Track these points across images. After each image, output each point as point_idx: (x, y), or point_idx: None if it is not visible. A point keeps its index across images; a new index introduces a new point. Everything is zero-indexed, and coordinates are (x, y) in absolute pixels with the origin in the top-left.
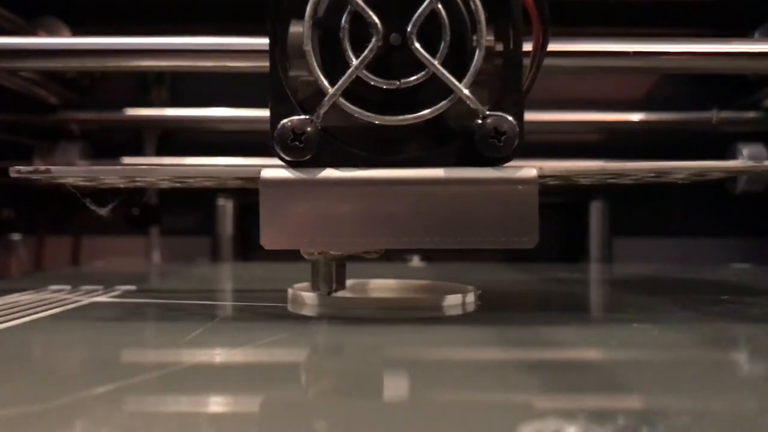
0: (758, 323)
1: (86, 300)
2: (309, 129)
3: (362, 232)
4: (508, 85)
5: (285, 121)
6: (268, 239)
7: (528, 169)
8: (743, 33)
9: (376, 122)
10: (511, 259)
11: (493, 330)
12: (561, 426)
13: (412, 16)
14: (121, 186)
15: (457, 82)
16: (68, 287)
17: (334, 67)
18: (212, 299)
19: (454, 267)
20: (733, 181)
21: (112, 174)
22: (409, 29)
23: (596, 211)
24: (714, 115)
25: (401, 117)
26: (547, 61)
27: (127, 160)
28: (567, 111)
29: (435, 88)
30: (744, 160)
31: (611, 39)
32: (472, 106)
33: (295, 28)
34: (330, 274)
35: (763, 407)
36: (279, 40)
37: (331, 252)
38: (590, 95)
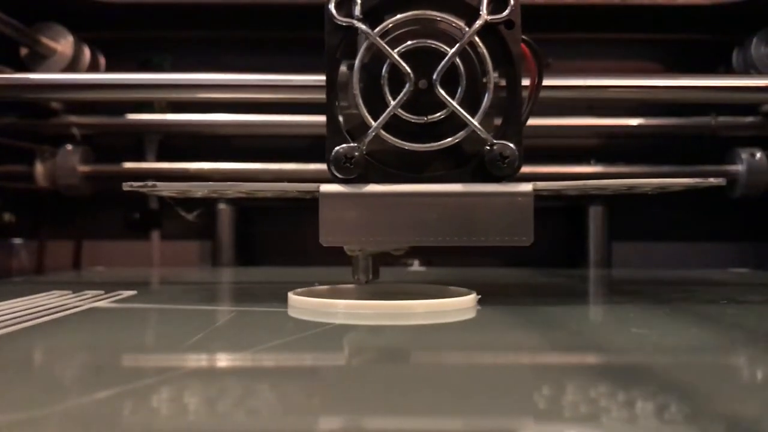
0: (757, 326)
1: (87, 305)
2: (356, 154)
3: (397, 233)
4: (510, 118)
5: (338, 147)
6: (325, 238)
7: (526, 185)
8: (741, 39)
9: (408, 148)
10: (510, 263)
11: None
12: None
13: (437, 66)
14: (206, 196)
15: (471, 118)
16: (69, 292)
17: (376, 105)
18: (213, 304)
19: (454, 271)
20: (731, 186)
21: (201, 188)
22: (434, 77)
23: (595, 215)
24: (712, 119)
25: (428, 144)
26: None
27: (127, 165)
28: (566, 116)
29: (454, 122)
30: (743, 164)
31: (600, 75)
32: (483, 136)
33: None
34: (368, 266)
35: (764, 410)
36: (332, 83)
37: (368, 249)
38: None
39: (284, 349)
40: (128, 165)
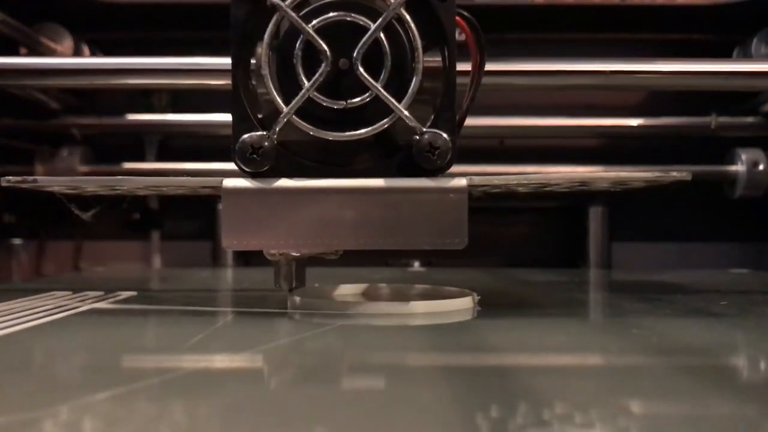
0: (758, 328)
1: (87, 306)
2: (266, 143)
3: (314, 235)
4: (442, 104)
5: (245, 136)
6: (229, 241)
7: (458, 179)
8: (741, 39)
9: (329, 138)
10: (510, 264)
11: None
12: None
13: (358, 43)
14: (103, 193)
15: (396, 103)
16: (69, 293)
17: (290, 88)
18: (213, 304)
19: (454, 272)
20: (731, 186)
21: (93, 183)
22: (354, 55)
23: (595, 216)
24: (712, 120)
25: (348, 133)
26: (525, 80)
27: (128, 165)
28: (566, 117)
29: (379, 107)
30: (743, 164)
31: (589, 59)
32: (410, 124)
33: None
34: (290, 273)
35: (763, 413)
36: (240, 63)
37: (290, 253)
38: (588, 101)
39: (284, 350)
40: (128, 165)
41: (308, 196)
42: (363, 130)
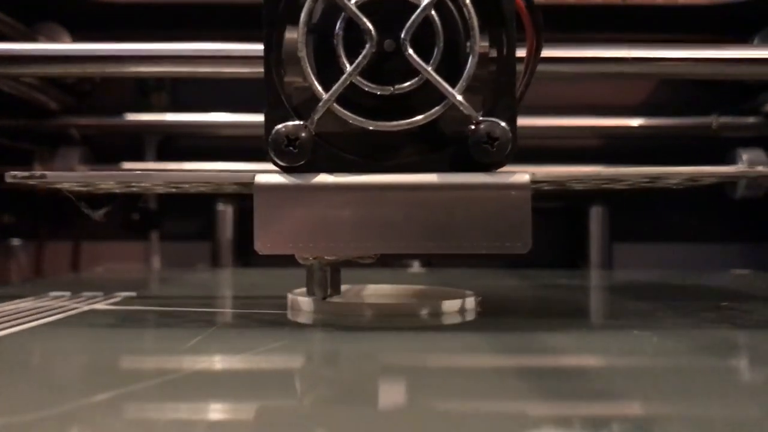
0: (758, 330)
1: (86, 307)
2: (303, 134)
3: (356, 237)
4: (501, 90)
5: (279, 126)
6: (262, 244)
7: (521, 175)
8: (743, 39)
9: (370, 128)
10: (511, 265)
11: (493, 337)
12: None
13: (406, 22)
14: (117, 191)
15: (450, 88)
16: (68, 293)
17: (329, 73)
18: (212, 306)
19: (454, 272)
20: (732, 187)
21: (107, 179)
22: (402, 35)
23: (596, 216)
24: (714, 120)
25: (395, 123)
26: (546, 68)
27: (127, 165)
28: (566, 116)
29: (428, 94)
30: (744, 164)
31: (609, 45)
32: (465, 111)
33: (290, 35)
34: (324, 279)
35: (763, 414)
36: (274, 46)
37: (326, 257)
38: (590, 101)
39: (282, 351)
40: (127, 165)
41: (350, 193)
42: (413, 119)
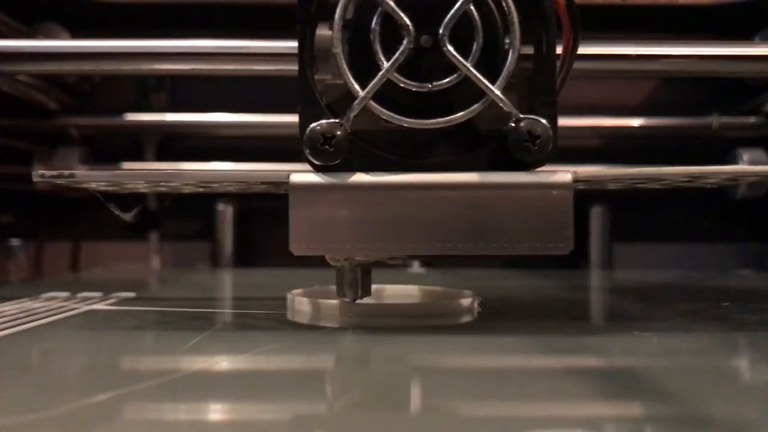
0: (758, 330)
1: (85, 307)
2: (339, 133)
3: (393, 238)
4: (541, 87)
5: (314, 124)
6: (297, 245)
7: (563, 174)
8: (744, 38)
9: (407, 126)
10: (511, 265)
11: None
12: None
13: (444, 17)
14: (145, 191)
15: (490, 85)
16: (67, 294)
17: (364, 69)
18: (212, 306)
19: (455, 273)
20: (733, 187)
21: (136, 178)
22: (441, 31)
23: (597, 216)
24: (714, 120)
25: (432, 120)
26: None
27: (126, 165)
28: (566, 116)
29: (467, 91)
30: (744, 164)
31: (611, 42)
32: (505, 108)
33: (321, 31)
34: (355, 280)
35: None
36: (308, 42)
37: (357, 258)
38: (590, 100)
39: (281, 352)
40: (127, 165)
41: (387, 193)
42: (451, 117)
